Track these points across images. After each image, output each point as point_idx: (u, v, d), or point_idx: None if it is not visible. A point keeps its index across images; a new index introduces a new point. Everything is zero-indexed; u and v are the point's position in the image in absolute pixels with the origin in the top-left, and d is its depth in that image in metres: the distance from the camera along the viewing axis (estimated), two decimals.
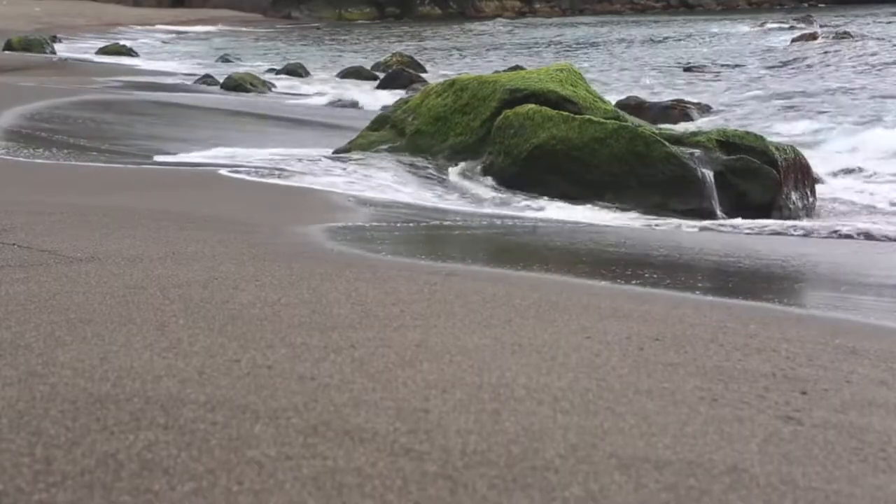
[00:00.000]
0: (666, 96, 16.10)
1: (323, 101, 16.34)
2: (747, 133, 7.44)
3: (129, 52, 26.48)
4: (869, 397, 2.51)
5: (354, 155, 8.02)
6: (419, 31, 44.27)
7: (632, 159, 6.93)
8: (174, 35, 42.45)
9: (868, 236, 6.09)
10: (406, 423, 2.08)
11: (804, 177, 7.36)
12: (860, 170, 9.07)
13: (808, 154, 7.94)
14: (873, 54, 21.99)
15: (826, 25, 31.32)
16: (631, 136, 7.00)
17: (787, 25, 31.26)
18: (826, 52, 23.38)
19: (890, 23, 33.74)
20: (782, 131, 11.70)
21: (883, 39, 26.07)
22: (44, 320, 2.76)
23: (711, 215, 6.80)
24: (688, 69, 21.50)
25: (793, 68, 21.08)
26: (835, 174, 8.79)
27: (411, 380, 2.37)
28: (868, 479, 1.98)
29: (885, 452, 2.12)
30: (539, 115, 7.28)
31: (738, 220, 6.61)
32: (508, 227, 6.00)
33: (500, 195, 7.20)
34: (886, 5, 45.92)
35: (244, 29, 47.06)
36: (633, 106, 14.33)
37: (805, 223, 6.63)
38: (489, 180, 7.43)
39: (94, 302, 3.00)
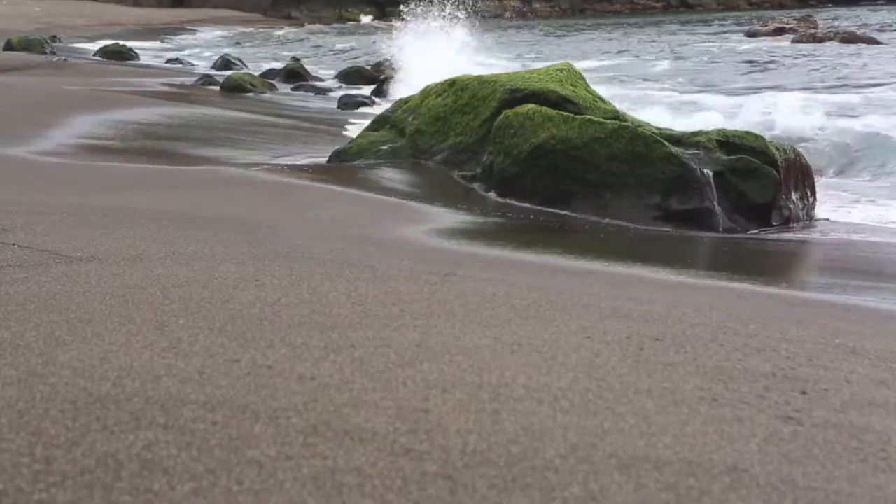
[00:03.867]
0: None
1: (323, 101, 16.33)
2: (747, 133, 7.42)
3: (129, 53, 26.48)
4: (869, 397, 2.51)
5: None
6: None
7: (632, 159, 6.92)
8: (173, 36, 42.43)
9: None
10: (406, 423, 2.08)
11: (804, 177, 7.36)
12: None
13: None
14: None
15: (833, 27, 30.88)
16: (631, 136, 6.99)
17: (788, 26, 31.11)
18: (827, 54, 23.14)
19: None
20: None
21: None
22: (44, 320, 2.76)
23: (711, 215, 6.80)
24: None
25: (796, 70, 20.80)
26: None
27: (411, 380, 2.37)
28: (868, 479, 1.98)
29: (885, 452, 2.12)
30: (539, 115, 7.27)
31: None
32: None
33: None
34: (889, 5, 45.71)
35: (244, 29, 47.06)
36: None
37: None
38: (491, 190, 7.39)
39: (94, 302, 3.00)
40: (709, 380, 2.53)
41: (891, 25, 33.66)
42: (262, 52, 32.54)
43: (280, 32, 42.99)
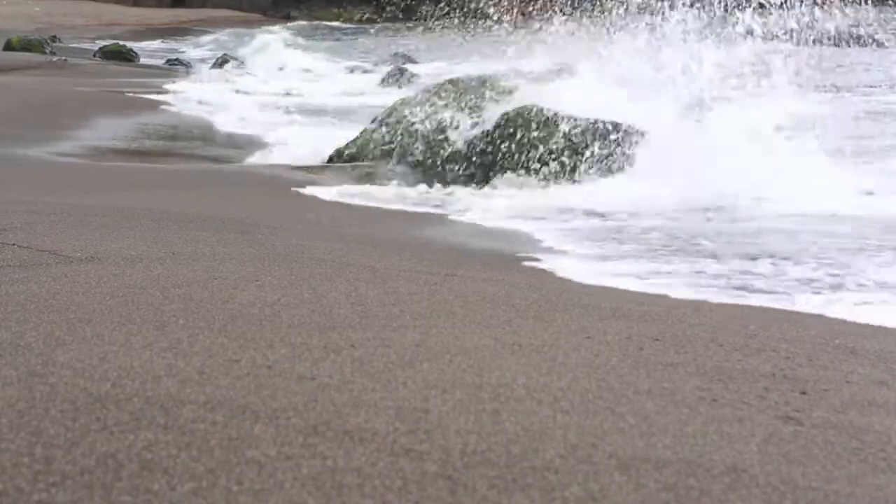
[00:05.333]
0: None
1: (322, 98, 16.32)
2: None
3: (129, 54, 26.44)
4: (869, 397, 2.51)
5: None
6: (419, 32, 44.25)
7: None
8: (173, 36, 42.35)
9: None
10: (406, 423, 2.08)
11: None
12: None
13: None
14: None
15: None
16: None
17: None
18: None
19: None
20: None
21: None
22: (44, 320, 2.76)
23: None
24: None
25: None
26: None
27: (411, 380, 2.37)
28: (868, 479, 1.98)
29: (885, 452, 2.12)
30: (541, 115, 7.28)
31: None
32: None
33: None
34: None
35: (244, 30, 47.07)
36: None
37: None
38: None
39: (94, 302, 3.00)
40: (709, 380, 2.53)
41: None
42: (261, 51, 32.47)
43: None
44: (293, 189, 6.65)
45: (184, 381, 2.26)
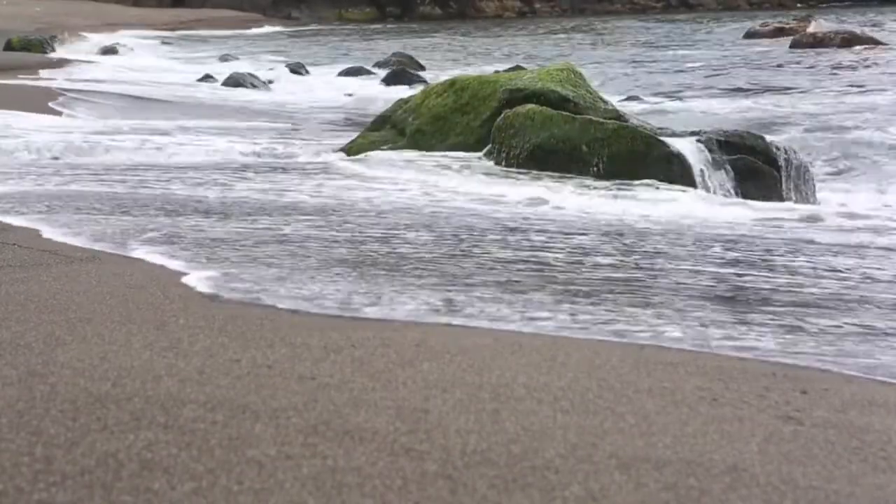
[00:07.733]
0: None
1: (324, 98, 16.33)
2: (747, 132, 7.44)
3: (129, 53, 26.47)
4: (869, 397, 2.51)
5: None
6: (419, 31, 44.24)
7: (633, 159, 6.93)
8: (168, 36, 42.34)
9: None
10: (406, 423, 2.08)
11: (804, 177, 7.37)
12: None
13: None
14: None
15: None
16: (632, 135, 7.00)
17: (788, 26, 30.78)
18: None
19: None
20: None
21: None
22: (44, 320, 2.76)
23: None
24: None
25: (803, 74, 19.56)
26: None
27: (411, 380, 2.37)
28: (868, 479, 1.97)
29: (885, 452, 2.12)
30: (540, 115, 7.27)
31: None
32: None
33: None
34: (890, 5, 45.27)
35: (243, 30, 47.07)
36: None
37: None
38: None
39: (94, 302, 3.00)
40: (709, 380, 2.53)
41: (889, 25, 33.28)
42: (262, 51, 32.50)
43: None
44: None
45: (184, 380, 2.26)
